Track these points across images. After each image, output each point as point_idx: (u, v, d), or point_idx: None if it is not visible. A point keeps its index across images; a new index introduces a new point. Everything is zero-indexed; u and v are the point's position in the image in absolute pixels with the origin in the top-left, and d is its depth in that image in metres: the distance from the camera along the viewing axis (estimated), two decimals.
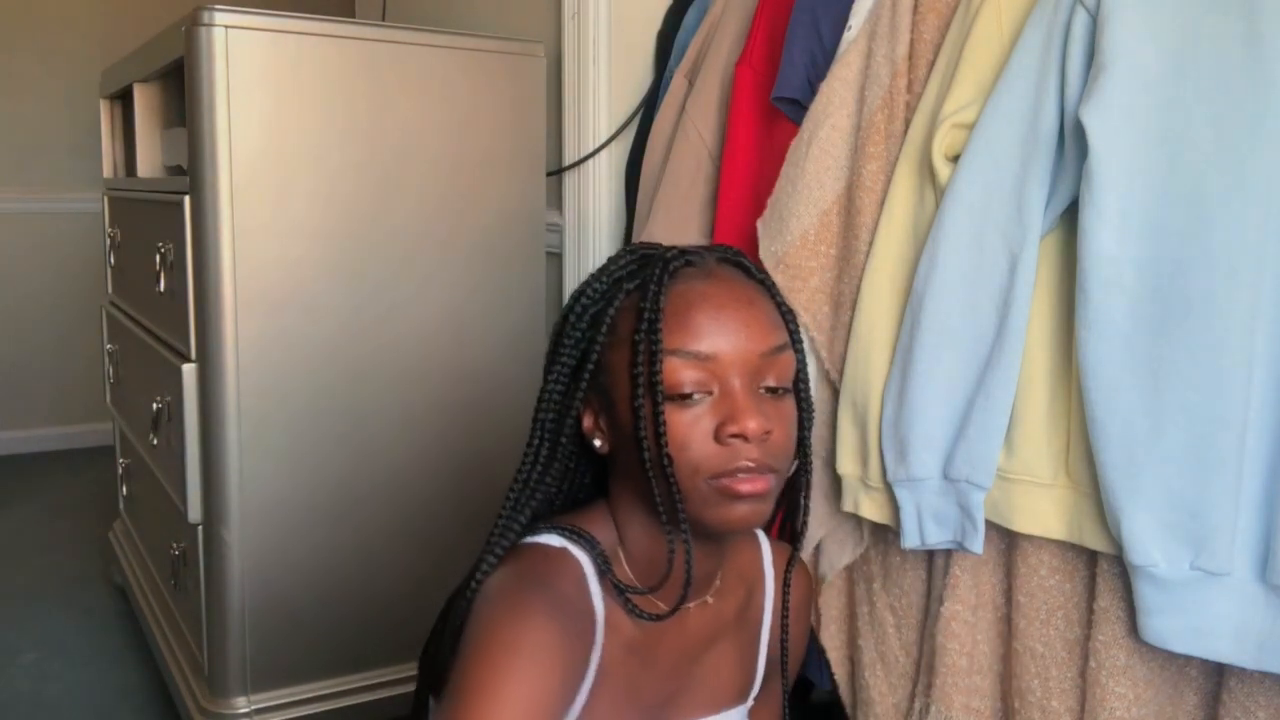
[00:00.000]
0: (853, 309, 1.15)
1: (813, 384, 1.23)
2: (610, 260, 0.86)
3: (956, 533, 1.06)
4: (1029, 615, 1.05)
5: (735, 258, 0.85)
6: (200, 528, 1.55)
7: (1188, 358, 0.88)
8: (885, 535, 1.20)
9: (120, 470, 2.25)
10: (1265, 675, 0.90)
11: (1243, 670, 0.91)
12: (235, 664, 1.54)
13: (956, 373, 1.04)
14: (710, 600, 0.90)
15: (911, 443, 1.07)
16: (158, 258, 1.61)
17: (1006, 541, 1.08)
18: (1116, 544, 0.93)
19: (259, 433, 1.50)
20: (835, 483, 1.20)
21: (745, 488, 0.77)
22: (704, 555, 0.86)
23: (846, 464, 1.16)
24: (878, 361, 1.12)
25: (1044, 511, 1.01)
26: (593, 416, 0.85)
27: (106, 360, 2.18)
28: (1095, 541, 0.97)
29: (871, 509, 1.15)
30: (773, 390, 0.80)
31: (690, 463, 0.77)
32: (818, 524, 1.24)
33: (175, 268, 1.54)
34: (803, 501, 0.92)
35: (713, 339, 0.78)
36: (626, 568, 0.86)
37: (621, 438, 0.82)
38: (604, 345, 0.82)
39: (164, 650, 1.84)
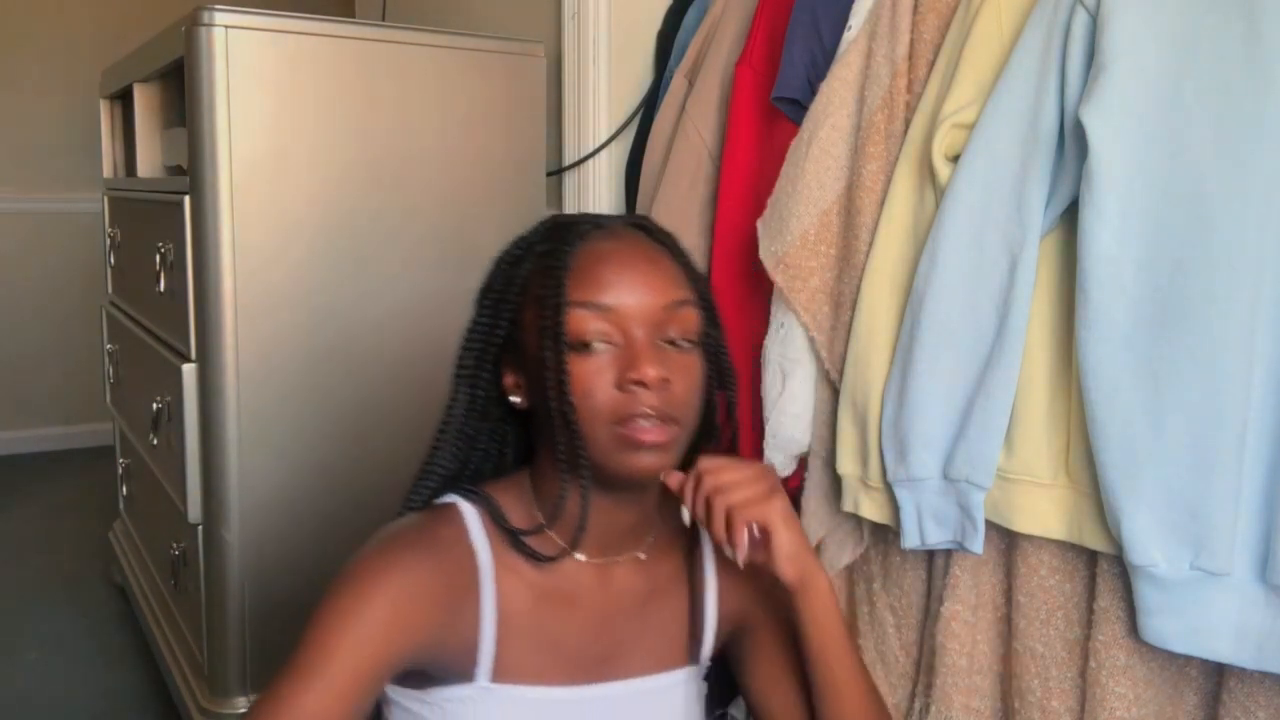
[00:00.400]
0: (853, 309, 1.15)
1: (813, 384, 1.23)
2: (529, 229, 0.91)
3: (956, 533, 1.06)
4: (1029, 615, 1.05)
5: (642, 222, 0.91)
6: (200, 528, 1.55)
7: (1188, 358, 0.88)
8: (885, 535, 1.20)
9: (120, 470, 2.25)
10: (1265, 675, 0.90)
11: (1243, 670, 0.91)
12: (235, 664, 1.54)
13: (956, 373, 1.04)
14: (643, 557, 0.92)
15: (911, 443, 1.07)
16: (158, 258, 1.61)
17: (1006, 541, 1.08)
18: (1116, 544, 0.93)
19: (259, 433, 1.50)
20: (835, 483, 1.20)
21: (646, 437, 0.81)
22: (614, 506, 0.88)
23: (846, 464, 1.16)
24: (878, 361, 1.12)
25: (1044, 511, 1.01)
26: (512, 375, 0.89)
27: (106, 360, 2.18)
28: (1095, 541, 0.97)
29: (871, 509, 1.14)
30: (676, 344, 0.84)
31: (592, 409, 0.81)
32: (818, 524, 1.24)
33: (175, 268, 1.54)
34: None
35: (616, 292, 0.83)
36: (538, 511, 0.89)
37: (536, 392, 0.86)
38: (517, 304, 0.87)
39: (164, 650, 1.84)
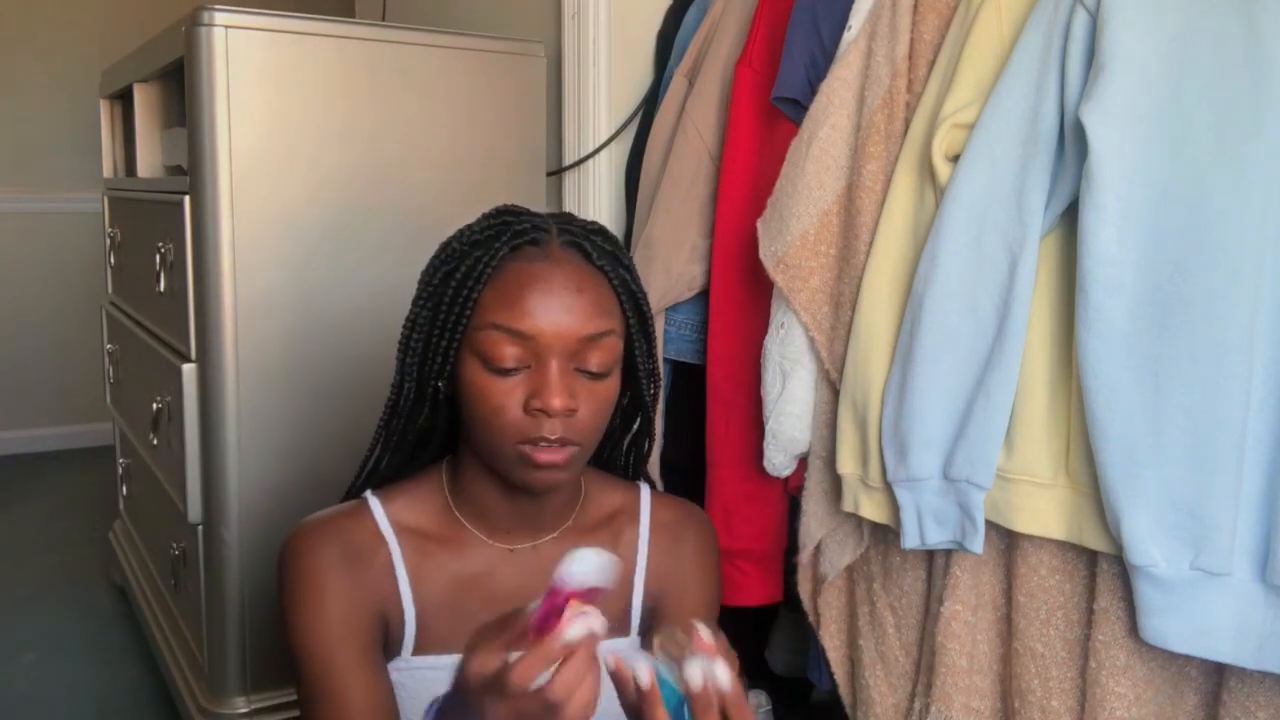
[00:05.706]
0: (853, 309, 1.15)
1: (813, 384, 1.23)
2: (475, 221, 0.92)
3: (956, 533, 1.06)
4: (1029, 615, 1.05)
5: (583, 241, 0.90)
6: (200, 528, 1.55)
7: (1188, 358, 0.88)
8: (885, 535, 1.20)
9: (120, 470, 2.25)
10: (1265, 675, 0.90)
11: (1243, 670, 0.91)
12: (235, 664, 1.54)
13: (956, 373, 1.04)
14: (557, 539, 0.97)
15: (911, 443, 1.07)
16: (158, 258, 1.61)
17: (1006, 541, 1.08)
18: (1116, 544, 0.93)
19: (259, 433, 1.50)
20: (835, 483, 1.20)
21: (543, 458, 0.85)
22: (528, 501, 0.93)
23: (846, 464, 1.16)
24: (878, 361, 1.12)
25: (1044, 511, 1.01)
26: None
27: (106, 360, 2.18)
28: (1095, 541, 0.97)
29: (871, 509, 1.15)
30: (591, 373, 0.87)
31: (501, 425, 0.86)
32: (818, 524, 1.24)
33: (175, 268, 1.54)
34: (646, 468, 1.06)
35: (534, 319, 0.85)
36: (451, 502, 0.95)
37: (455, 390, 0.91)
38: (449, 305, 0.89)
39: (164, 650, 1.84)
